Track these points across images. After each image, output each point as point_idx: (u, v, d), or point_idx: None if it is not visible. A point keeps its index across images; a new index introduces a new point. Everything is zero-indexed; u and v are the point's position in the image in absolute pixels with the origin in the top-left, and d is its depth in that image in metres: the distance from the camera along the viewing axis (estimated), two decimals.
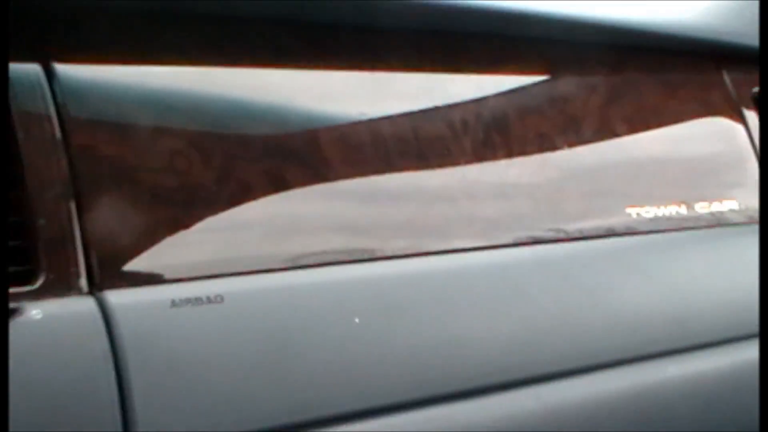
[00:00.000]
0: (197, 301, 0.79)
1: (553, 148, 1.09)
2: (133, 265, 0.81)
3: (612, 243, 1.08)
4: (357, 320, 0.86)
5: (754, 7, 1.24)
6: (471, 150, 1.03)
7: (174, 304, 0.78)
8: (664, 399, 1.05)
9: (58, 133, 0.79)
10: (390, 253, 0.94)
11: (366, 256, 0.93)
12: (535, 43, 1.13)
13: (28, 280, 0.76)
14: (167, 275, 0.82)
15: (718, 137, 1.26)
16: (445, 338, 0.92)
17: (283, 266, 0.88)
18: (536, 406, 0.94)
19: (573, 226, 1.06)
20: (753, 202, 1.22)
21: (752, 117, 1.24)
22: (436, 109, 1.02)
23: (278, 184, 0.91)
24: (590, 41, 1.16)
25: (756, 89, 1.27)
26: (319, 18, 0.97)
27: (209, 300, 0.80)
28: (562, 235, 1.04)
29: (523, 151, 1.07)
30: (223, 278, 0.83)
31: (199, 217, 0.86)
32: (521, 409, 0.94)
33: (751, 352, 1.04)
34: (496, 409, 0.92)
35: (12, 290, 0.73)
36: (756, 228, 1.18)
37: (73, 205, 0.78)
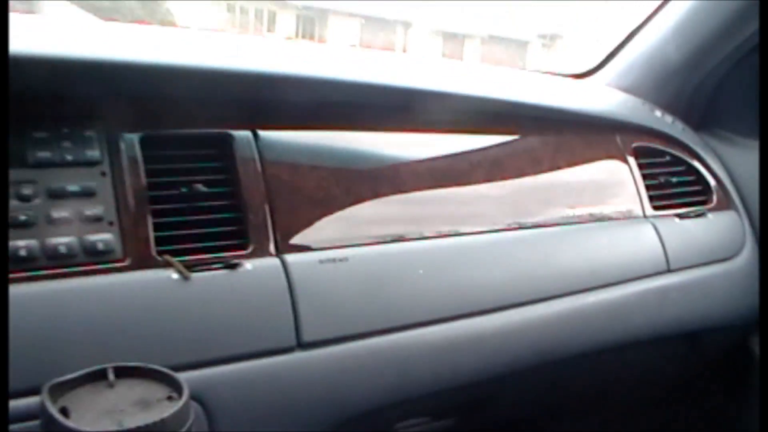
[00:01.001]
0: (333, 260, 1.14)
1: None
2: (298, 240, 1.15)
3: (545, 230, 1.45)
4: (421, 271, 1.22)
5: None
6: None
7: (321, 262, 1.12)
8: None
9: (260, 170, 1.14)
10: (439, 234, 1.31)
11: (425, 235, 1.30)
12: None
13: (244, 247, 1.09)
14: (316, 246, 1.15)
15: (607, 171, 1.63)
16: (474, 282, 1.31)
17: (381, 241, 1.23)
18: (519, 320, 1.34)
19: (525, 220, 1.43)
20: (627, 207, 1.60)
21: (632, 161, 1.61)
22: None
23: (383, 195, 1.27)
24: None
25: (635, 144, 1.65)
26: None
27: (339, 260, 1.15)
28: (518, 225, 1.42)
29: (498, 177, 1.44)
30: (347, 248, 1.17)
31: (334, 215, 1.20)
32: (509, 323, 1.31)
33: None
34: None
35: (234, 253, 1.07)
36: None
37: (267, 208, 1.13)
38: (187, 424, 0.88)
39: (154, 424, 0.86)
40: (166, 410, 0.88)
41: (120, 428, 0.85)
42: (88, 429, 0.84)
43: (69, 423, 0.84)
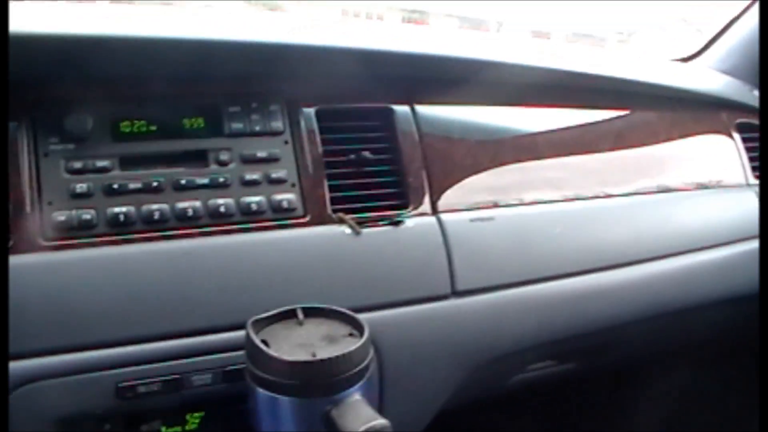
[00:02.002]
0: (481, 219, 1.18)
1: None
2: (451, 201, 1.18)
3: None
4: (557, 230, 1.24)
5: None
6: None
7: (471, 220, 1.16)
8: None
9: (417, 139, 1.19)
10: (571, 197, 1.33)
11: (560, 198, 1.31)
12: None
13: (404, 207, 1.13)
14: (467, 206, 1.19)
15: (714, 144, 1.61)
16: (603, 241, 1.31)
17: (523, 203, 1.26)
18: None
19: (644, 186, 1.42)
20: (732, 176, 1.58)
21: (736, 135, 1.59)
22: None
23: (523, 162, 1.29)
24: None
25: (738, 120, 1.61)
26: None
27: (487, 219, 1.18)
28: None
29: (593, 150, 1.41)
30: (493, 208, 1.21)
31: (482, 180, 1.23)
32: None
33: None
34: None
35: (397, 212, 1.12)
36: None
37: (424, 173, 1.17)
38: (369, 358, 0.92)
39: (343, 355, 0.90)
40: (351, 345, 0.91)
41: (313, 358, 0.89)
42: (286, 357, 0.88)
43: (271, 351, 0.87)
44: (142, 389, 0.95)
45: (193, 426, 1.01)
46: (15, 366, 0.92)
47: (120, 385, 0.96)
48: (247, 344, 0.92)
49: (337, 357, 0.90)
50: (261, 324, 0.94)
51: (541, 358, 1.34)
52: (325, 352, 0.91)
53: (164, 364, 0.98)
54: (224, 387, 1.00)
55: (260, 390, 0.91)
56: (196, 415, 1.01)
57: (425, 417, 1.12)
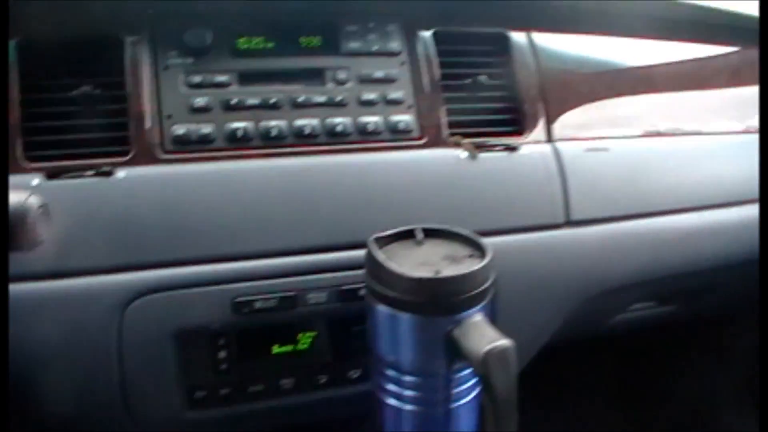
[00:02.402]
0: (597, 150, 1.13)
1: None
2: (567, 130, 1.14)
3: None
4: (670, 163, 1.18)
5: None
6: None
7: (586, 150, 1.12)
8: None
9: (534, 66, 1.14)
10: (687, 131, 1.24)
11: (675, 131, 1.23)
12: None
13: (520, 133, 1.11)
14: (582, 136, 1.14)
15: None
16: (718, 177, 1.22)
17: (637, 135, 1.20)
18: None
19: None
20: None
21: None
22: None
23: (639, 93, 1.22)
24: None
25: None
26: None
27: (602, 150, 1.13)
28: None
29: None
30: (608, 139, 1.16)
31: (598, 110, 1.18)
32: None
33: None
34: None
35: (512, 138, 1.08)
36: None
37: (540, 100, 1.13)
38: (491, 279, 0.88)
39: (469, 273, 0.86)
40: (474, 264, 0.87)
41: (439, 275, 0.85)
42: (412, 273, 0.85)
43: (396, 267, 0.83)
44: (258, 305, 0.91)
45: (304, 346, 0.98)
46: (132, 277, 0.91)
47: (236, 299, 0.93)
48: (369, 260, 0.89)
49: (463, 275, 0.86)
50: (380, 242, 0.91)
51: (645, 298, 1.29)
52: (449, 271, 0.86)
53: (280, 281, 0.95)
54: (338, 306, 0.97)
55: (381, 307, 0.88)
56: (308, 334, 0.98)
57: (532, 350, 1.08)
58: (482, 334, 0.85)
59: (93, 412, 0.92)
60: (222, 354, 0.95)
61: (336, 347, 1.00)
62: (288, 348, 0.98)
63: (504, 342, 0.82)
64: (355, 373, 1.01)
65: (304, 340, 0.97)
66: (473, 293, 0.86)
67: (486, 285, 0.87)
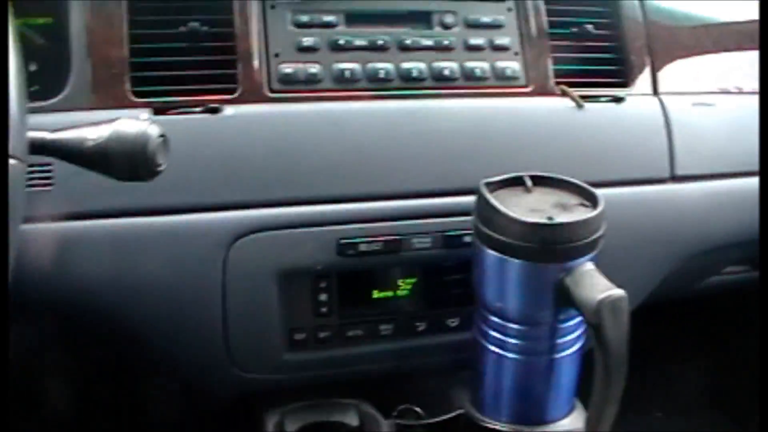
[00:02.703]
0: (703, 105, 1.11)
1: None
2: (673, 83, 1.10)
3: None
4: None
5: None
6: None
7: (693, 105, 1.09)
8: None
9: (641, 17, 1.11)
10: None
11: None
12: None
13: (624, 85, 1.07)
14: (688, 90, 1.11)
15: None
16: None
17: (744, 92, 1.16)
18: None
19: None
20: None
21: None
22: None
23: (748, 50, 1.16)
24: None
25: None
26: None
27: (708, 105, 1.11)
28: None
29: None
30: (714, 94, 1.13)
31: (704, 64, 1.15)
32: None
33: None
34: None
35: (616, 90, 1.06)
36: None
37: (647, 52, 1.10)
38: (602, 229, 0.86)
39: (584, 221, 0.84)
40: (586, 213, 0.84)
41: (551, 222, 0.83)
42: (526, 218, 0.83)
43: (509, 212, 0.79)
44: (362, 247, 0.90)
45: (404, 293, 0.97)
46: (239, 215, 0.90)
47: (342, 241, 0.92)
48: (481, 205, 0.86)
49: (577, 222, 0.84)
50: (490, 187, 0.87)
51: (740, 261, 1.25)
52: (562, 218, 0.84)
53: (385, 224, 0.94)
54: (441, 252, 0.96)
55: (490, 252, 0.86)
56: (408, 281, 0.97)
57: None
58: (595, 283, 0.83)
59: (193, 349, 0.92)
60: (323, 297, 0.94)
61: (435, 295, 0.99)
62: (388, 294, 0.96)
63: (618, 291, 0.80)
64: (453, 322, 0.99)
65: (404, 286, 0.96)
66: (586, 241, 0.84)
67: (599, 234, 0.85)
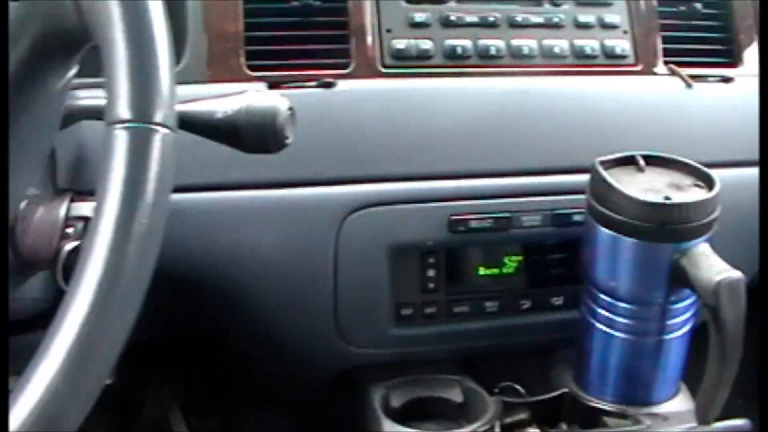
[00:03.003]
0: None
1: None
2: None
3: None
4: None
5: None
6: None
7: None
8: None
9: None
10: None
11: None
12: None
13: (735, 65, 1.06)
14: None
15: None
16: None
17: None
18: None
19: None
20: None
21: None
22: None
23: None
24: None
25: None
26: None
27: None
28: None
29: None
30: None
31: None
32: None
33: None
34: None
35: (727, 69, 1.04)
36: None
37: (756, 34, 1.06)
38: (718, 210, 0.85)
39: (700, 202, 0.84)
40: (703, 193, 0.82)
41: (669, 201, 0.83)
42: (644, 197, 0.83)
43: (626, 190, 0.79)
44: (473, 224, 0.90)
45: (510, 270, 0.97)
46: (352, 190, 0.91)
47: (452, 217, 0.92)
48: (596, 183, 0.86)
49: (695, 202, 0.84)
50: (604, 166, 0.86)
51: None
52: (679, 198, 0.82)
53: (496, 201, 0.94)
54: (549, 230, 0.96)
55: (604, 231, 0.86)
56: (514, 258, 0.96)
57: None
58: (712, 264, 0.82)
59: (302, 322, 0.93)
60: (431, 273, 0.94)
61: (541, 273, 0.99)
62: (494, 271, 0.96)
63: (735, 273, 0.80)
64: (557, 300, 0.99)
65: (510, 264, 0.96)
66: (703, 222, 0.84)
67: (715, 215, 0.84)
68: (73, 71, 0.59)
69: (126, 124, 0.46)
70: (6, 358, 0.49)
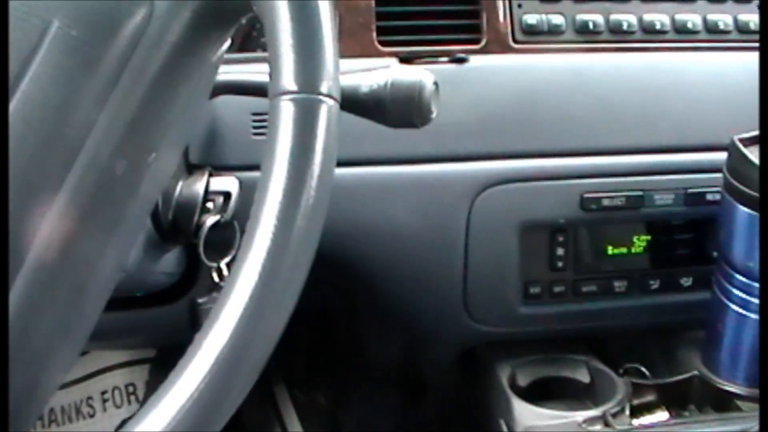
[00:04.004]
0: None
1: None
2: None
3: None
4: None
5: None
6: None
7: None
8: None
9: None
10: None
11: None
12: None
13: None
14: None
15: None
16: None
17: None
18: None
19: None
20: None
21: None
22: None
23: None
24: None
25: None
26: None
27: None
28: None
29: None
30: None
31: None
32: None
33: None
34: None
35: None
36: None
37: None
38: None
39: None
40: None
41: None
42: None
43: None
44: (605, 202, 0.88)
45: (638, 249, 0.95)
46: (484, 166, 0.91)
47: (585, 195, 0.90)
48: (734, 160, 0.84)
49: None
50: (744, 143, 0.84)
51: None
52: None
53: (628, 179, 0.92)
54: (681, 209, 0.94)
55: (743, 209, 0.85)
56: (643, 237, 0.94)
57: None
58: None
59: (431, 299, 0.92)
60: (560, 251, 0.93)
61: (670, 253, 0.97)
62: (622, 250, 0.95)
63: None
64: (686, 281, 0.97)
65: (639, 243, 0.95)
66: None
67: None
68: (228, 43, 0.59)
69: (292, 95, 0.46)
70: (6, 354, 0.47)
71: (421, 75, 0.67)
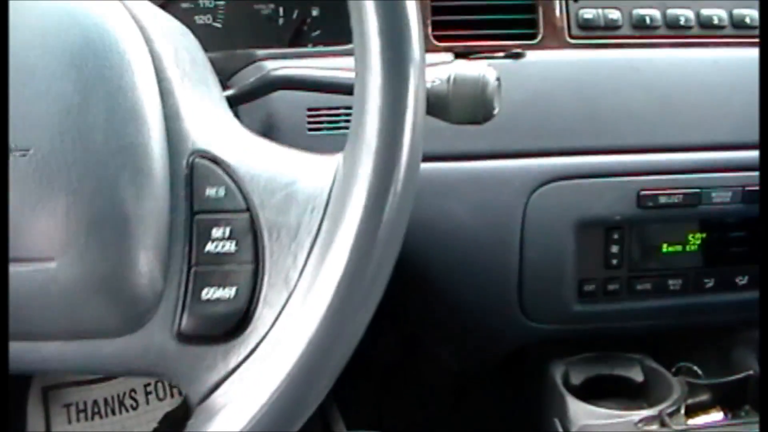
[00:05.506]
0: None
1: None
2: None
3: None
4: None
5: None
6: None
7: None
8: None
9: None
10: None
11: None
12: None
13: None
14: None
15: None
16: None
17: None
18: None
19: None
20: None
21: None
22: None
23: None
24: None
25: None
26: None
27: None
28: None
29: None
30: None
31: None
32: None
33: None
34: None
35: None
36: None
37: None
38: None
39: None
40: None
41: None
42: None
43: None
44: (662, 200, 0.87)
45: (693, 247, 0.94)
46: (541, 163, 0.90)
47: (642, 192, 0.89)
48: None
49: None
50: None
51: None
52: None
53: (686, 177, 0.90)
54: (737, 207, 0.92)
55: None
56: (698, 235, 0.93)
57: None
58: None
59: (486, 296, 0.91)
60: (614, 249, 0.91)
61: (725, 251, 0.95)
62: (677, 248, 0.93)
63: None
64: (742, 280, 0.95)
65: (694, 241, 0.93)
66: None
67: None
68: None
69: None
70: (6, 358, 0.47)
71: (484, 70, 0.65)
